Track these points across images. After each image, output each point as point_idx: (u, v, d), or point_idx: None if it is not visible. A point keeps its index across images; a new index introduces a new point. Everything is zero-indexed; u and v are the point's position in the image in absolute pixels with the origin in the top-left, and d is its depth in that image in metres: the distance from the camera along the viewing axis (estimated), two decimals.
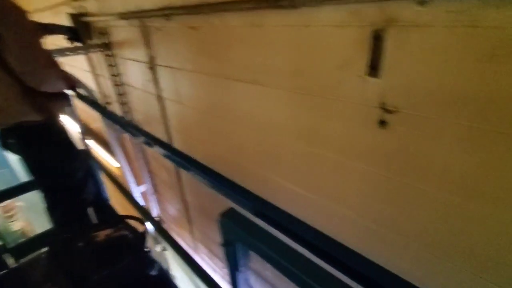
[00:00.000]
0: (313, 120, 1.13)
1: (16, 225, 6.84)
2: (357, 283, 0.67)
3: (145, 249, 1.60)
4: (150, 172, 3.08)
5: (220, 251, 2.66)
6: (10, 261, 1.93)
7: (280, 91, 1.20)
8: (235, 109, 1.49)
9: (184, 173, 2.42)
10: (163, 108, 2.13)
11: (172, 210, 3.12)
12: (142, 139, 1.38)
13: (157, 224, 2.00)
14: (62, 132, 1.87)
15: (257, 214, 0.69)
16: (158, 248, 3.50)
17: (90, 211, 2.11)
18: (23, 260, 1.88)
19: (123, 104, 2.69)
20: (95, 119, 3.54)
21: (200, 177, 0.87)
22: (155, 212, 3.43)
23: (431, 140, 0.84)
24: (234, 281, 0.88)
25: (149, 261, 1.57)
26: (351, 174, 1.09)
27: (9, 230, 6.59)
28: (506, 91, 0.68)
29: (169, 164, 2.52)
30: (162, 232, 1.88)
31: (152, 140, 1.27)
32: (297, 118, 1.19)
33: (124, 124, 1.57)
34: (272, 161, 1.43)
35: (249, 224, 0.73)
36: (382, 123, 0.92)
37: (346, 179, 1.12)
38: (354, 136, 1.02)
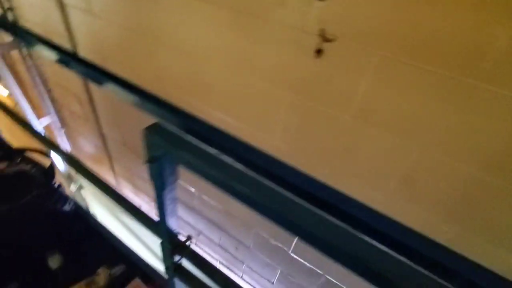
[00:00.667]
0: (247, 45, 1.06)
1: None
2: (284, 189, 0.71)
3: (53, 184, 1.41)
4: (54, 101, 2.59)
5: (146, 186, 2.56)
6: None
7: (214, 6, 1.06)
8: (162, 26, 1.28)
9: (99, 103, 2.11)
10: (66, 19, 1.70)
11: (87, 146, 2.79)
12: (39, 46, 1.08)
13: (67, 155, 1.75)
14: None
15: (186, 130, 0.63)
16: (73, 187, 3.19)
17: None
18: None
19: (7, 10, 2.05)
20: None
21: (122, 93, 0.74)
22: (65, 149, 3.01)
23: (357, 71, 0.88)
24: (160, 200, 0.85)
25: (59, 196, 1.40)
26: (280, 104, 1.10)
27: None
28: (423, 26, 0.72)
29: (80, 91, 2.14)
30: (75, 164, 1.66)
31: (49, 47, 1.01)
32: (231, 41, 1.09)
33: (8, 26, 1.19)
34: (200, 88, 1.32)
35: (176, 138, 0.68)
36: (319, 52, 0.91)
37: (276, 108, 1.13)
38: (287, 65, 1.00)
